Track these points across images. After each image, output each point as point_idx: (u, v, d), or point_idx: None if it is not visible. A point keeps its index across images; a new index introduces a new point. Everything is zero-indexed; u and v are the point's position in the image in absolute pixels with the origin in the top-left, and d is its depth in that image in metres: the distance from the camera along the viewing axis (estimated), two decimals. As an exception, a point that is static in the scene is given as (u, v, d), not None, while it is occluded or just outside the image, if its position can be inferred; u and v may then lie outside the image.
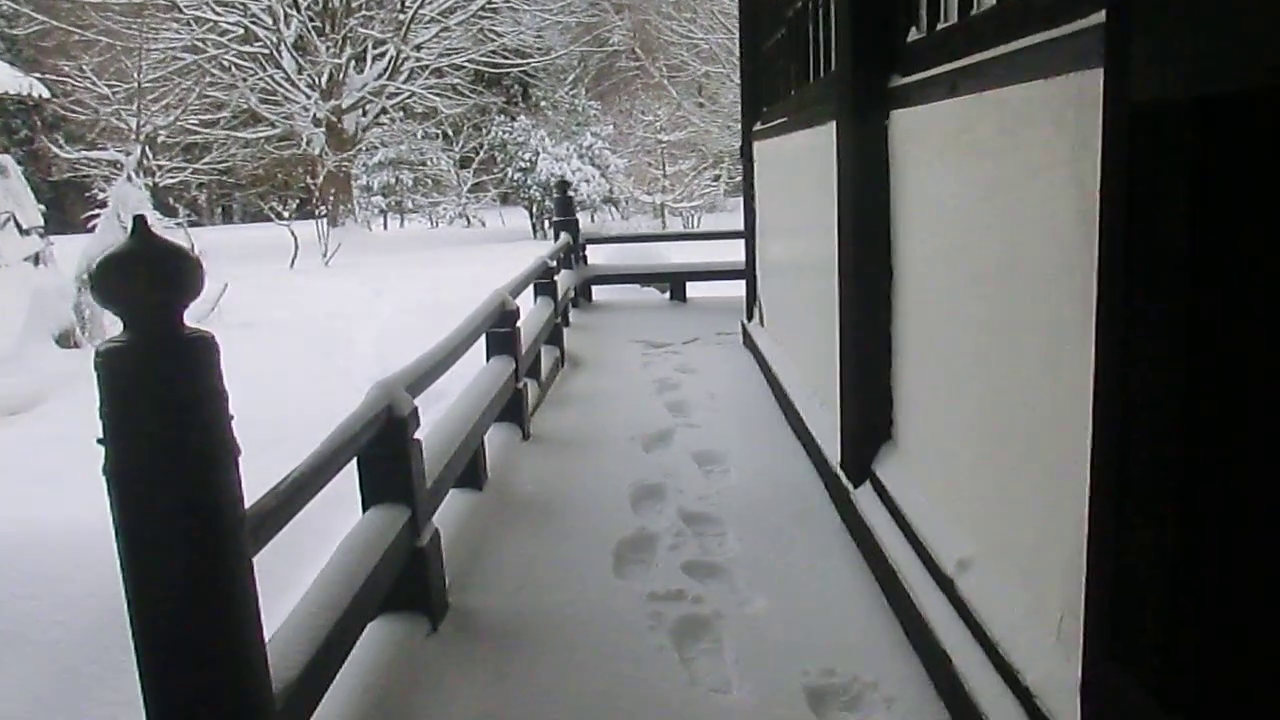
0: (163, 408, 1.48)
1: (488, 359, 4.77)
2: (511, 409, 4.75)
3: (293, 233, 20.48)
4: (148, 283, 1.44)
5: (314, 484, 2.14)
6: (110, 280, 1.42)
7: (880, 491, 3.35)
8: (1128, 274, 1.59)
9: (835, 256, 3.75)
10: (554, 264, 6.89)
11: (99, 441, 1.48)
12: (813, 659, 2.70)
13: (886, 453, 3.44)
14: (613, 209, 28.69)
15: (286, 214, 21.98)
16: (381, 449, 2.71)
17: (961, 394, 2.66)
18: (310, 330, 11.67)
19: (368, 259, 20.98)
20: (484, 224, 32.40)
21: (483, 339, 4.66)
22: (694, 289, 9.52)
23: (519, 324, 4.96)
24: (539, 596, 3.14)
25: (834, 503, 3.86)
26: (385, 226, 33.13)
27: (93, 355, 1.46)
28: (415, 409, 2.87)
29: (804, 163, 4.85)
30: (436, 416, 3.74)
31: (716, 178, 28.57)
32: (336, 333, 11.41)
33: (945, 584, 2.63)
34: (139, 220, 1.43)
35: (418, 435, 2.89)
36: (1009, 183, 2.27)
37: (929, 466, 3.03)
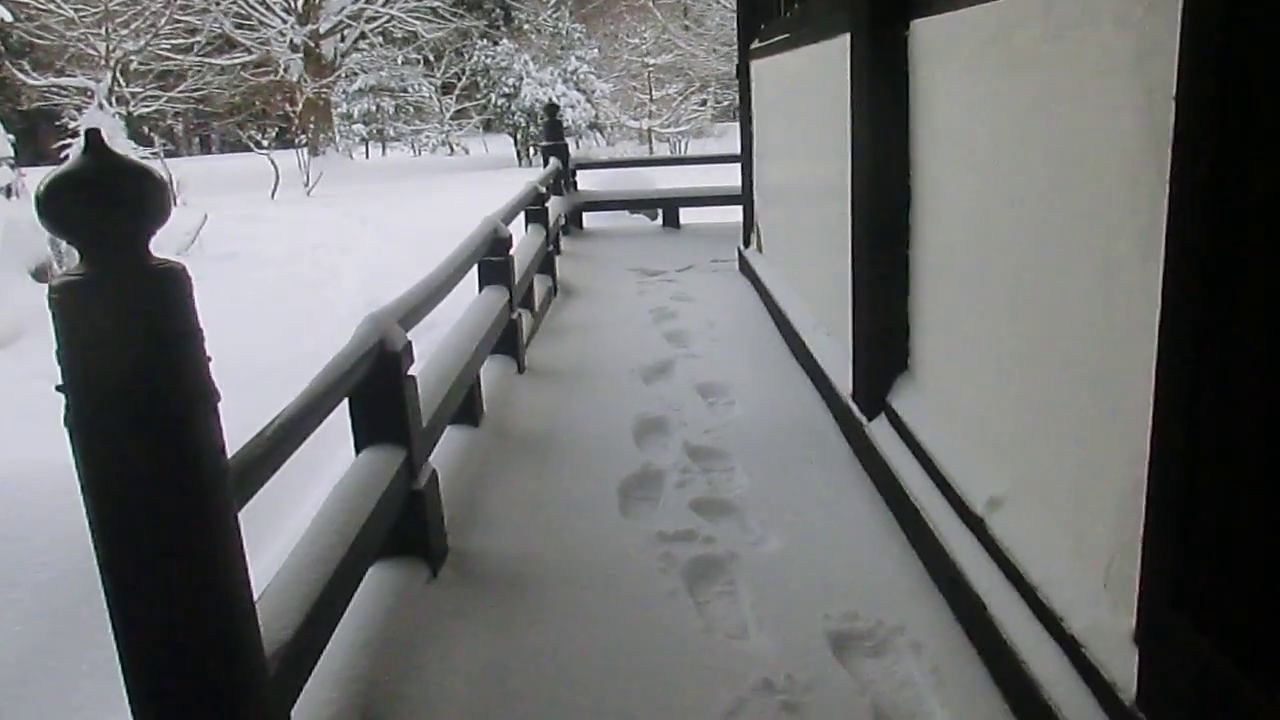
0: (129, 350, 1.30)
1: (480, 289, 4.57)
2: (506, 340, 4.58)
3: (273, 162, 20.04)
4: (106, 207, 1.25)
5: (303, 428, 1.97)
6: (61, 204, 1.22)
7: (897, 425, 3.20)
8: (1215, 184, 1.41)
9: (847, 179, 3.55)
10: (544, 190, 6.65)
11: (58, 389, 1.30)
12: (833, 602, 2.57)
13: (903, 384, 3.29)
14: (598, 135, 28.22)
15: (266, 142, 21.47)
16: (374, 387, 2.54)
17: (994, 322, 2.49)
18: (295, 262, 11.40)
19: (351, 188, 20.58)
20: (467, 152, 31.87)
21: (474, 269, 4.47)
22: (687, 215, 9.30)
23: (512, 252, 4.76)
24: (543, 538, 2.99)
25: (846, 436, 3.72)
26: (367, 155, 32.58)
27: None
28: (409, 344, 2.69)
29: (811, 80, 4.62)
30: (427, 348, 3.56)
31: (704, 102, 28.04)
32: (322, 264, 11.15)
33: (975, 524, 2.49)
34: (92, 135, 1.24)
35: (411, 371, 2.72)
36: (1056, 94, 2.07)
37: (953, 399, 2.87)
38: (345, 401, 2.47)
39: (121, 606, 1.38)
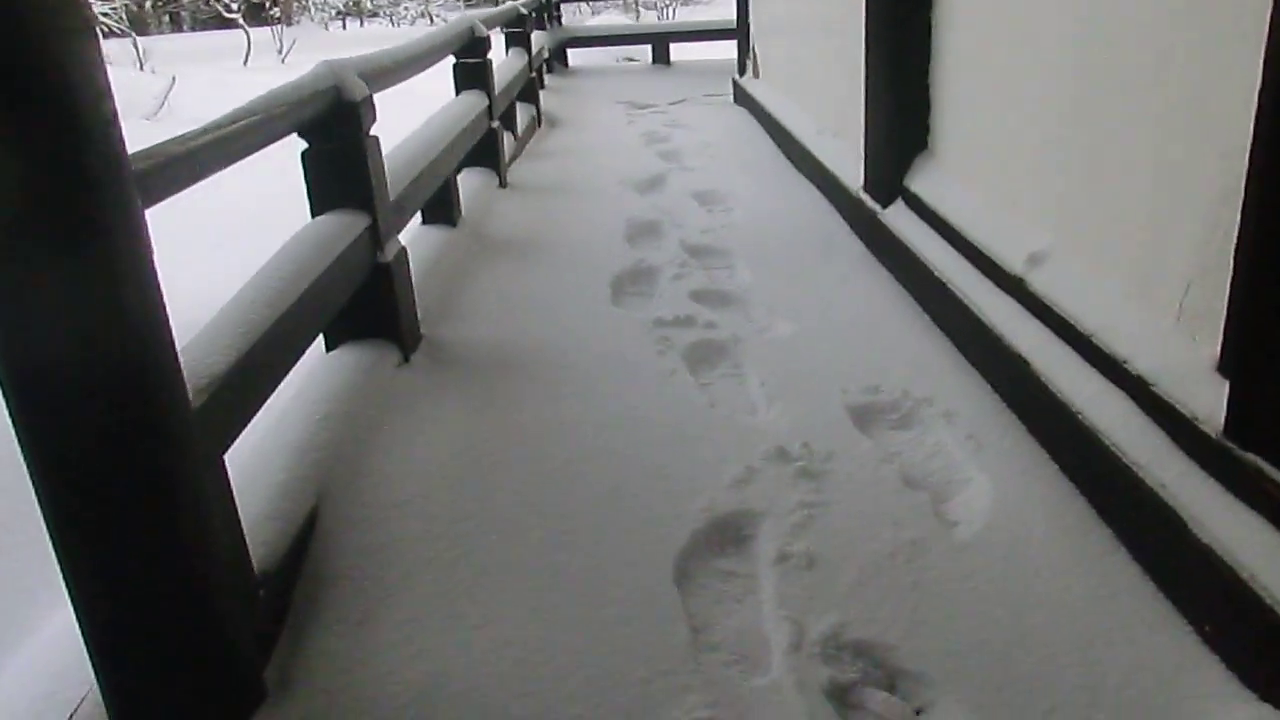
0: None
1: (457, 94, 4.19)
2: (485, 151, 4.22)
3: (245, 30, 19.20)
4: None
5: (235, 144, 1.64)
6: None
7: (916, 206, 2.91)
8: None
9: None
10: (525, 11, 6.18)
11: None
12: (852, 378, 2.30)
13: (922, 164, 2.98)
14: (582, 3, 27.14)
15: (236, 7, 20.55)
16: (330, 139, 2.22)
17: (1036, 76, 2.16)
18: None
19: (327, 56, 19.78)
20: (448, 23, 30.73)
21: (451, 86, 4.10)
22: (677, 53, 8.81)
23: (490, 57, 4.36)
24: (525, 327, 2.71)
25: (855, 230, 3.42)
26: (344, 27, 31.41)
27: None
28: (370, 98, 2.36)
29: None
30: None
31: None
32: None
33: (1012, 284, 2.21)
34: None
35: (374, 133, 2.39)
36: None
37: (981, 167, 2.57)
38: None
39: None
